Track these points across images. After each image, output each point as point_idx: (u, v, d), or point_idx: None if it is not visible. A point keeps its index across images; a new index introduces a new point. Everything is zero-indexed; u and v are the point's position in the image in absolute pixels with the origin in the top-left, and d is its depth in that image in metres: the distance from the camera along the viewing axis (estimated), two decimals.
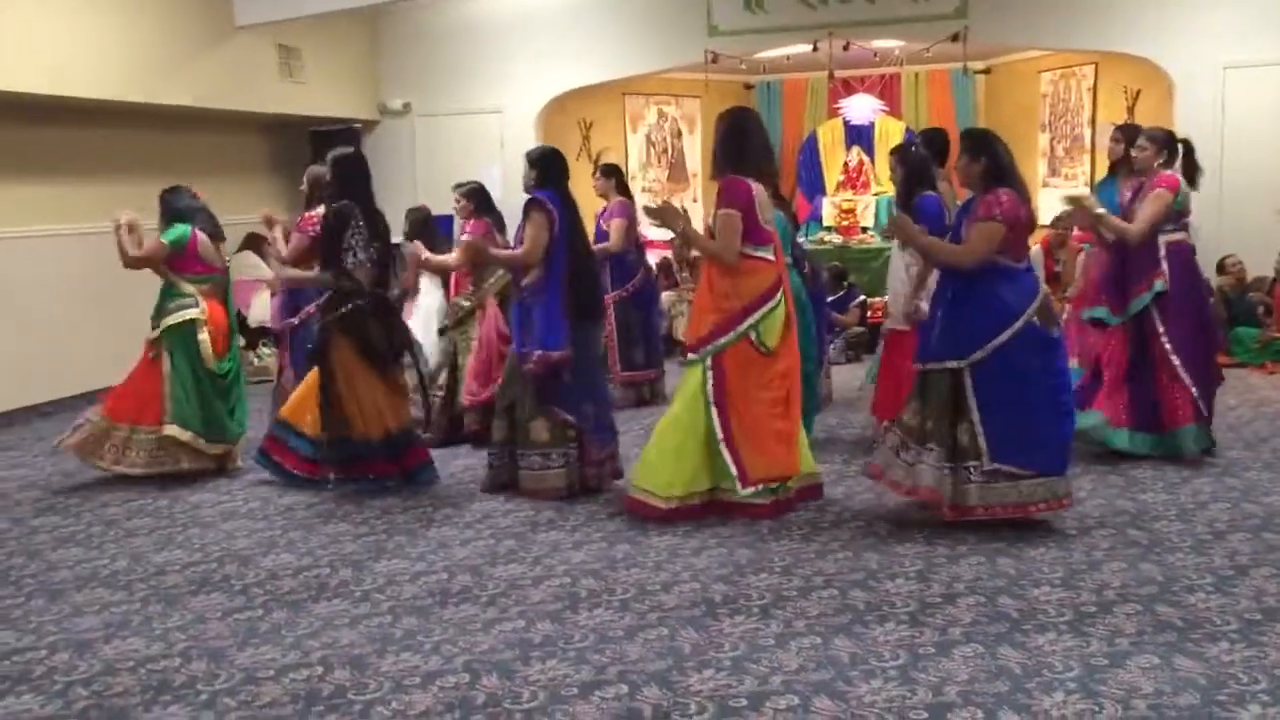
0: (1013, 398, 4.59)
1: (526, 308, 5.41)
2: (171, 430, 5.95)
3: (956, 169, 4.85)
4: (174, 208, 6.15)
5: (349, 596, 4.21)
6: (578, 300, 5.37)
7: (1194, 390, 5.68)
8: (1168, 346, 5.71)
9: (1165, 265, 5.72)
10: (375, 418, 5.63)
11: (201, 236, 6.11)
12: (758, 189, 4.98)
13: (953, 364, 4.61)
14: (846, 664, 3.46)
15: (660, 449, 5.04)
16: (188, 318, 6.03)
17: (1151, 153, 5.81)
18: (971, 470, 4.62)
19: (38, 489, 6.02)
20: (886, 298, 6.58)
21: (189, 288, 6.08)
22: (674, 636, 3.73)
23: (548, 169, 5.52)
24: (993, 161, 4.68)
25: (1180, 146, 5.91)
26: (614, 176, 7.72)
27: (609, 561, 4.50)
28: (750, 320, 4.93)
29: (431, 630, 3.85)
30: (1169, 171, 5.80)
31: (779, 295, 4.99)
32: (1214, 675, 3.30)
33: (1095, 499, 5.10)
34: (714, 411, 4.94)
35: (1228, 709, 3.09)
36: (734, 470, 4.93)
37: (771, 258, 5.02)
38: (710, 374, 4.95)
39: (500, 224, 7.03)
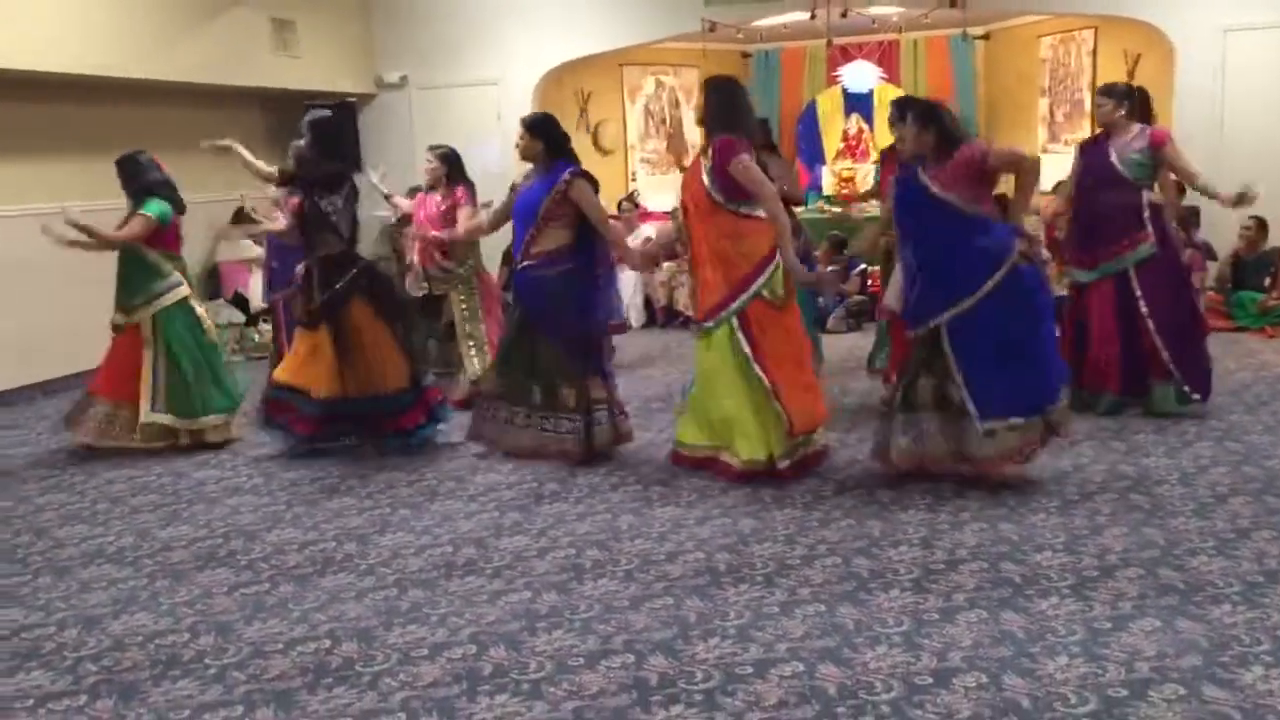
0: (992, 347, 4.68)
1: (570, 280, 5.47)
2: (158, 418, 6.02)
3: (906, 139, 4.85)
4: (145, 180, 5.99)
5: (354, 570, 4.23)
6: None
7: (1165, 352, 5.82)
8: (1145, 309, 5.83)
9: (1150, 226, 5.82)
10: (374, 378, 5.76)
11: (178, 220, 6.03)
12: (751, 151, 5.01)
13: (948, 314, 4.71)
14: (851, 631, 3.48)
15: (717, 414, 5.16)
16: (181, 296, 6.03)
17: (1111, 107, 5.90)
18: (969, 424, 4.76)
19: (43, 467, 6.03)
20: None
21: (168, 266, 6.02)
22: (679, 606, 3.75)
23: (549, 136, 5.53)
24: (940, 128, 4.74)
25: (1135, 95, 5.97)
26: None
27: (613, 532, 4.52)
28: (761, 279, 4.98)
29: (438, 602, 3.87)
30: (1158, 126, 5.93)
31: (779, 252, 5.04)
32: (1216, 637, 3.32)
33: (1097, 464, 5.11)
34: (757, 368, 4.99)
35: (1230, 670, 3.11)
36: (786, 420, 4.98)
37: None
38: (741, 334, 5.00)
39: (471, 192, 6.98)
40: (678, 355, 8.33)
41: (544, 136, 5.52)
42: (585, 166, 5.57)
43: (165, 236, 6.01)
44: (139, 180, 6.00)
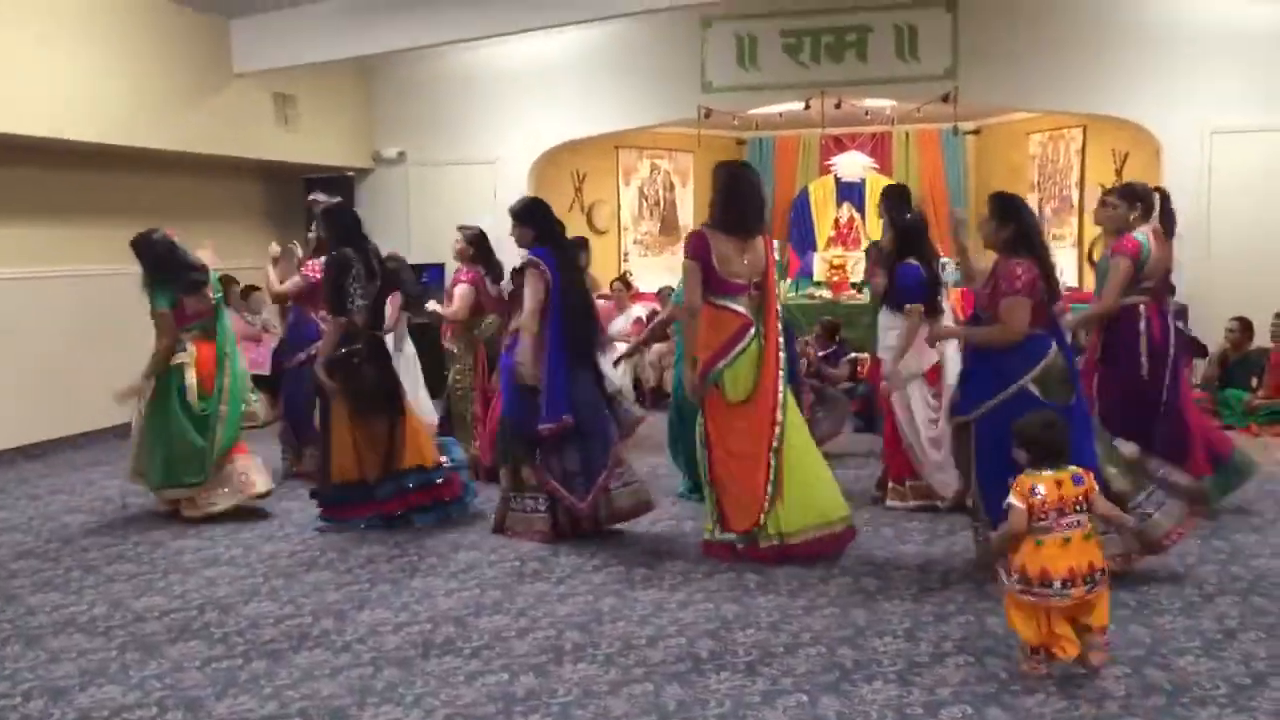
0: (998, 461, 4.61)
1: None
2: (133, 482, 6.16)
3: (981, 231, 4.85)
4: (164, 267, 5.94)
5: (330, 646, 4.16)
6: (571, 348, 5.44)
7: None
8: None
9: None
10: (363, 462, 5.74)
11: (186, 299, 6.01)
12: (719, 242, 5.01)
13: (961, 418, 4.75)
14: None
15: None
16: (174, 364, 6.00)
17: (1124, 209, 5.69)
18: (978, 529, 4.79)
19: (18, 533, 5.95)
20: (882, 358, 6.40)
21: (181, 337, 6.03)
22: (659, 692, 3.68)
23: (538, 223, 5.61)
24: (1019, 228, 4.69)
25: (1156, 196, 5.79)
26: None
27: (594, 615, 4.46)
28: (717, 367, 5.02)
29: (413, 682, 3.80)
30: (1133, 233, 5.64)
31: (743, 344, 5.03)
32: None
33: None
34: (703, 453, 5.12)
35: None
36: (714, 514, 5.10)
37: (739, 309, 5.06)
38: (702, 418, 5.13)
39: (497, 274, 6.98)
40: (665, 439, 8.27)
41: (531, 223, 5.60)
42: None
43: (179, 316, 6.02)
44: (158, 264, 5.96)
